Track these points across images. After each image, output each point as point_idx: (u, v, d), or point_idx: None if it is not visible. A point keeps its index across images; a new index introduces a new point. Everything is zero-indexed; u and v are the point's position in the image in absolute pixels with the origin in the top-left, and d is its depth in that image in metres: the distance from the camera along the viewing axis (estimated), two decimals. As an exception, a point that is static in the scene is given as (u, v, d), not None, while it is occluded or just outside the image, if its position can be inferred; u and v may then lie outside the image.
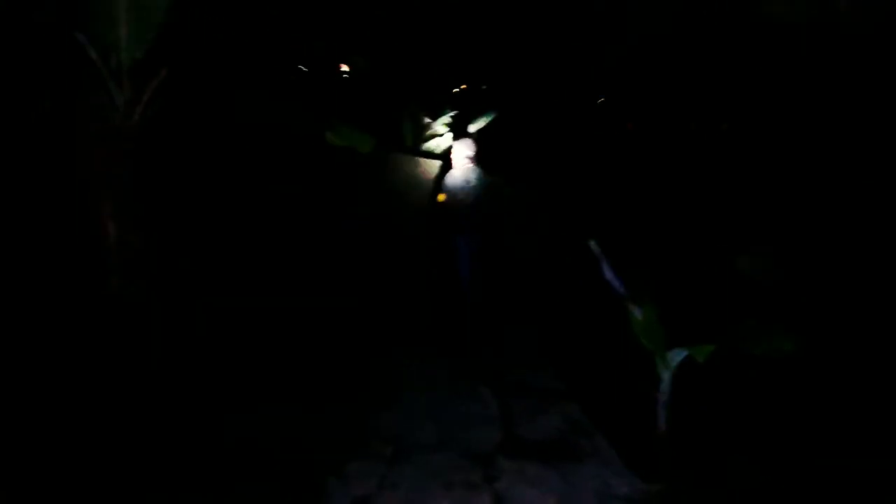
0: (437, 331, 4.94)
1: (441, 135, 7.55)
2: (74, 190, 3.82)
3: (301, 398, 3.50)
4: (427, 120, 7.61)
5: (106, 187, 3.69)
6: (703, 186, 5.85)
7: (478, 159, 5.08)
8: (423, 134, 7.51)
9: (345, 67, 9.26)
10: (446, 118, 7.67)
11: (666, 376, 2.86)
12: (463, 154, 5.05)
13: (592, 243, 3.19)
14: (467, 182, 4.98)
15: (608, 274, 3.08)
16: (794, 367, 2.89)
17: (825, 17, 2.24)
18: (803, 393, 3.17)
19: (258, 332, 4.13)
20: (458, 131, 7.45)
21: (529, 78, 10.05)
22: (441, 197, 5.06)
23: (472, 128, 7.58)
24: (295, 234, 4.98)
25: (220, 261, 4.31)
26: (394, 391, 3.75)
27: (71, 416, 2.94)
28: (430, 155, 7.04)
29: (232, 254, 4.53)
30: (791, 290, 3.22)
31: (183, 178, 4.02)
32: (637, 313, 2.91)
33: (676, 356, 2.79)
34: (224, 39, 4.13)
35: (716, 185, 5.60)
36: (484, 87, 11.55)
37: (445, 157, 5.41)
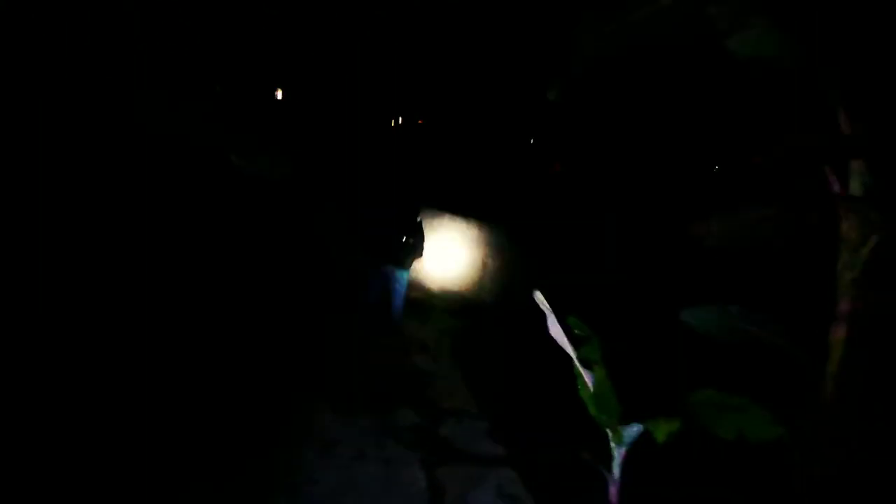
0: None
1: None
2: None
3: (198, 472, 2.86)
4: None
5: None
6: (644, 231, 5.72)
7: (406, 194, 4.80)
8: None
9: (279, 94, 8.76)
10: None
11: (618, 454, 2.49)
12: (387, 188, 4.77)
13: (538, 294, 2.83)
14: (389, 215, 4.65)
15: (554, 330, 2.70)
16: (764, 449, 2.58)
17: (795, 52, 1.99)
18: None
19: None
20: (386, 167, 7.16)
21: (467, 113, 9.92)
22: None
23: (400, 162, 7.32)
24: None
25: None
26: (304, 458, 3.16)
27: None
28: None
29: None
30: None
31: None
32: (587, 378, 2.55)
33: (631, 431, 2.43)
34: (117, 36, 3.58)
35: (657, 230, 5.47)
36: (420, 121, 11.31)
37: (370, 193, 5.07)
